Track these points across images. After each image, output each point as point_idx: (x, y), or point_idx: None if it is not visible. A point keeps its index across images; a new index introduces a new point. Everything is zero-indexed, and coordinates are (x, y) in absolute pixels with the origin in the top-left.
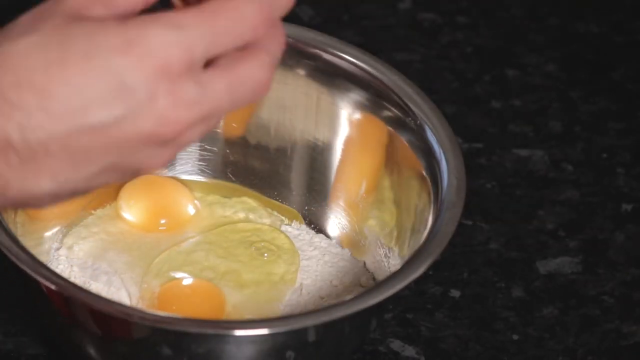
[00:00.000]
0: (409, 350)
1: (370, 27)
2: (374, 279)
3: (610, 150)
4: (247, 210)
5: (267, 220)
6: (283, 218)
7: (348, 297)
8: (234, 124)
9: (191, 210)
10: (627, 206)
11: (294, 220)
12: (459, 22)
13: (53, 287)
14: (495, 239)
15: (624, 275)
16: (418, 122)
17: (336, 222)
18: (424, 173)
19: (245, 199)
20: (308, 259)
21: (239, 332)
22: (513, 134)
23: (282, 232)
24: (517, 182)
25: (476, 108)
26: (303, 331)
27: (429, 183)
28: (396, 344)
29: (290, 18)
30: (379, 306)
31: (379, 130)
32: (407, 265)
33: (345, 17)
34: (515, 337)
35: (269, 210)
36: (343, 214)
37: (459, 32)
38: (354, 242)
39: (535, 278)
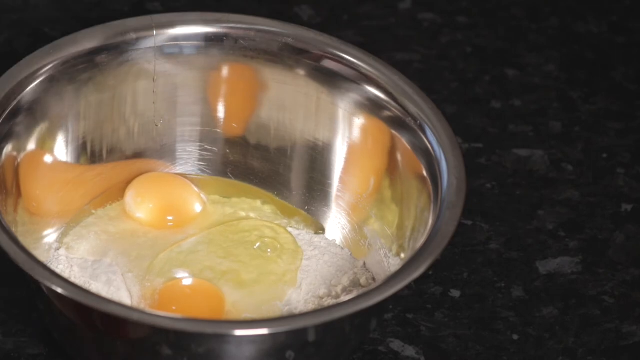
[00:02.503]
0: (409, 350)
1: (370, 27)
2: (374, 279)
3: (610, 150)
4: (247, 209)
5: (268, 220)
6: (287, 220)
7: (348, 297)
8: (234, 124)
9: (198, 207)
10: (627, 206)
11: (295, 220)
12: (459, 22)
13: (53, 287)
14: (495, 239)
15: (623, 275)
16: (418, 122)
17: (336, 222)
18: (424, 173)
19: (244, 198)
20: (308, 259)
21: (239, 332)
22: (513, 134)
23: (285, 230)
24: (517, 182)
25: (476, 108)
26: (303, 331)
27: (429, 183)
28: (396, 344)
29: (290, 17)
30: (379, 306)
31: (379, 130)
32: (407, 265)
33: (345, 16)
34: (515, 337)
35: (272, 208)
36: (343, 214)
37: (459, 32)
38: (354, 242)
39: (535, 278)
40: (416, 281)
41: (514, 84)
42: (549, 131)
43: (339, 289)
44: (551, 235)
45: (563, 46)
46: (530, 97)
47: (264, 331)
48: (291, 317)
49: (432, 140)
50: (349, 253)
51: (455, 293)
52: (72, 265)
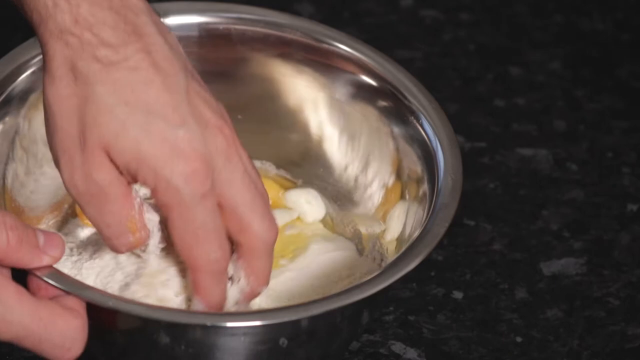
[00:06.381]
0: (411, 353)
1: (371, 24)
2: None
3: (615, 150)
4: None
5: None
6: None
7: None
8: (239, 116)
9: None
10: (633, 206)
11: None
12: (462, 19)
13: (47, 280)
14: (499, 240)
15: (629, 277)
16: (419, 119)
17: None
18: (422, 171)
19: None
20: (307, 254)
21: (231, 324)
22: (516, 133)
23: None
24: (520, 181)
25: (479, 107)
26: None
27: (426, 182)
28: (397, 347)
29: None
30: (361, 305)
31: (378, 125)
32: (389, 267)
33: (346, 14)
34: (518, 339)
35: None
36: (344, 211)
37: (461, 29)
38: (352, 237)
39: (539, 279)
40: (418, 282)
41: (517, 82)
42: (553, 130)
43: (338, 285)
44: (555, 235)
45: (568, 44)
46: (534, 96)
47: (256, 323)
48: (282, 309)
49: (431, 138)
50: (352, 249)
51: (458, 295)
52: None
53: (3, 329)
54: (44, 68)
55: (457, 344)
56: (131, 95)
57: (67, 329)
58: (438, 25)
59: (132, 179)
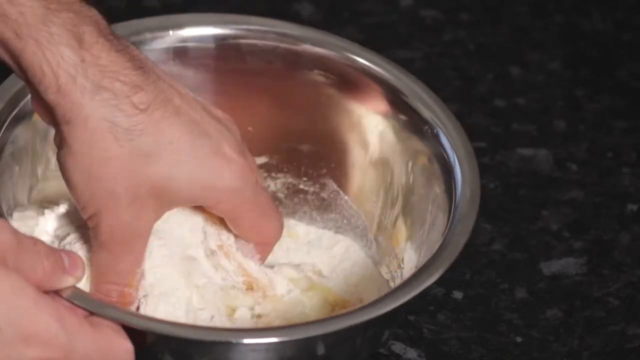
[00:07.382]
0: (411, 353)
1: (371, 24)
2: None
3: (615, 150)
4: None
5: None
6: None
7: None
8: (249, 128)
9: None
10: (633, 206)
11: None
12: (462, 19)
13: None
14: (499, 240)
15: (629, 277)
16: (435, 130)
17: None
18: (439, 182)
19: None
20: (329, 265)
21: (247, 341)
22: (517, 133)
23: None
24: (520, 181)
25: (479, 107)
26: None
27: (444, 193)
28: (398, 347)
29: (289, 14)
30: (379, 320)
31: (395, 138)
32: (412, 279)
33: (346, 13)
34: (518, 339)
35: None
36: (358, 222)
37: (461, 29)
38: (368, 251)
39: (539, 279)
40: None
41: (517, 82)
42: (553, 130)
43: (355, 296)
44: (555, 235)
45: (568, 44)
46: (534, 96)
47: (272, 340)
48: (296, 326)
49: (447, 149)
50: (369, 261)
51: (458, 294)
52: None
53: (67, 358)
54: (64, 132)
55: (457, 344)
56: (170, 131)
57: (121, 353)
58: (438, 25)
59: (192, 204)
